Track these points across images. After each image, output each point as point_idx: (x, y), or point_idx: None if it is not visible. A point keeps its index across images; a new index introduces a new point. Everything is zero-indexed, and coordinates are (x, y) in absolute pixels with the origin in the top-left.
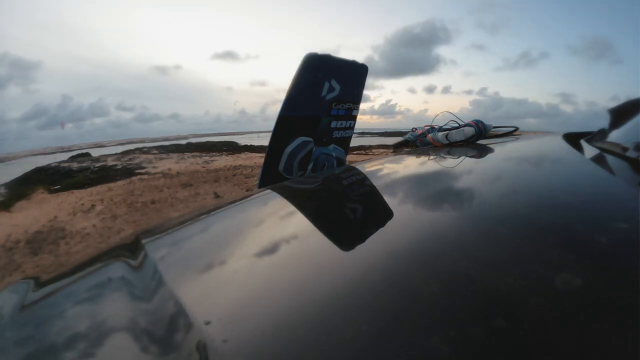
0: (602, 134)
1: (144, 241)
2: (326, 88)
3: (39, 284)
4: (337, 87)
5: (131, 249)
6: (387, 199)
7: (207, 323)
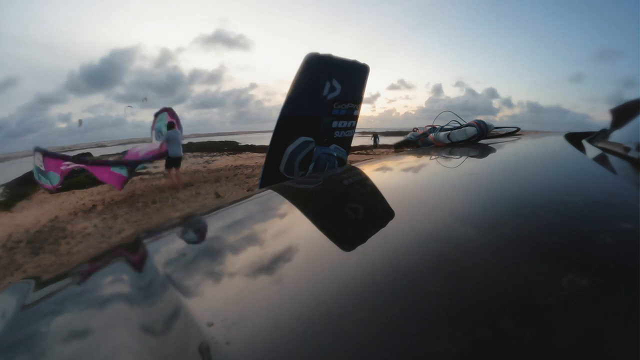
0: (604, 134)
1: (145, 241)
2: (327, 88)
3: (41, 283)
4: (338, 87)
5: (132, 249)
6: (390, 200)
7: (210, 324)
